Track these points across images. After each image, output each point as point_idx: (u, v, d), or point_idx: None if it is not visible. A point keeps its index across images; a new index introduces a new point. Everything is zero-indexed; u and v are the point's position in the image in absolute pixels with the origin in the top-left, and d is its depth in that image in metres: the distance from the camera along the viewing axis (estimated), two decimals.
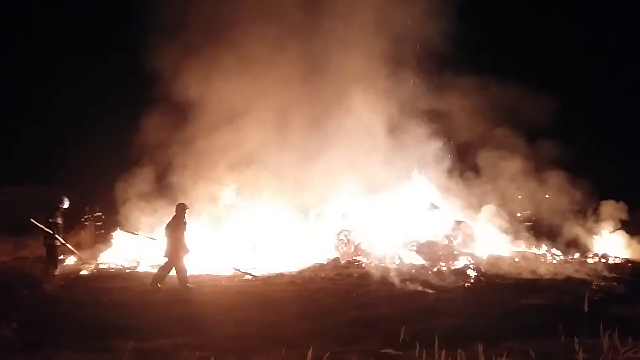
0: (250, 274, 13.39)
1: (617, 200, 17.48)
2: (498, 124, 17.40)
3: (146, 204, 16.52)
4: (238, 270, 13.60)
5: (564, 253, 16.27)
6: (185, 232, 12.05)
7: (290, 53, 17.17)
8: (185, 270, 11.91)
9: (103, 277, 13.43)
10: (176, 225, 12.04)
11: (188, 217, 12.43)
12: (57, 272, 12.09)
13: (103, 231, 17.39)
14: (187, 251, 12.02)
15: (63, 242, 12.72)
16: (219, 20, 17.30)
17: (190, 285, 11.77)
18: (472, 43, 18.27)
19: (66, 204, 12.41)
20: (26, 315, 8.48)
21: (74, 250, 14.42)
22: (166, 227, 12.23)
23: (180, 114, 17.25)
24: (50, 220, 12.11)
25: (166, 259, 12.00)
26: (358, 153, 16.60)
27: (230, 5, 17.46)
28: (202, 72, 17.04)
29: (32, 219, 12.38)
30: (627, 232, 17.00)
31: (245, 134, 17.19)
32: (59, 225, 12.22)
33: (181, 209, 12.31)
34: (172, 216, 12.37)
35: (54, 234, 12.04)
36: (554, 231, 17.04)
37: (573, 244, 16.71)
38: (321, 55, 17.25)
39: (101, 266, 15.06)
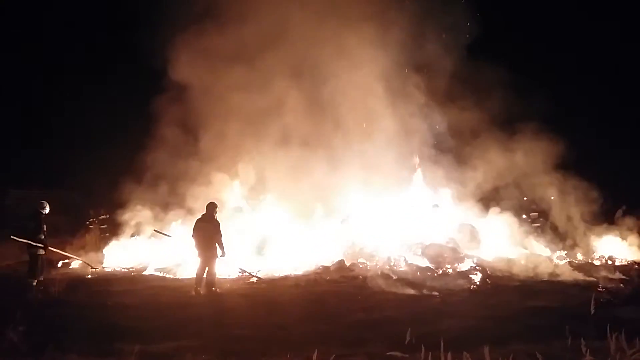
0: (255, 276, 13.37)
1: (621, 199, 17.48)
2: (503, 121, 17.35)
3: (151, 206, 16.57)
4: (244, 271, 13.56)
5: (571, 255, 16.21)
6: (222, 234, 11.74)
7: (297, 57, 17.18)
8: (215, 274, 11.72)
9: (108, 280, 13.42)
10: (212, 227, 11.69)
11: (218, 217, 12.09)
12: (35, 282, 11.79)
13: (108, 234, 17.37)
14: (224, 254, 11.75)
15: (54, 249, 12.71)
16: (227, 20, 17.31)
17: (216, 290, 11.59)
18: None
19: (47, 210, 12.24)
20: (32, 318, 8.47)
21: (71, 256, 14.46)
22: (196, 227, 11.85)
23: (186, 116, 17.29)
24: (44, 230, 11.94)
25: (200, 261, 11.70)
26: (363, 155, 16.57)
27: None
28: (206, 74, 17.11)
29: (12, 237, 12.21)
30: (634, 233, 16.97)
31: (250, 136, 17.22)
32: (43, 230, 12.01)
33: (212, 208, 11.96)
34: (202, 215, 12.02)
35: (44, 246, 11.90)
36: (561, 232, 16.97)
37: (579, 246, 16.64)
38: (328, 58, 17.23)
39: (107, 269, 15.08)
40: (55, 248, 13.06)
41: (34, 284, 11.80)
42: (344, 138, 16.86)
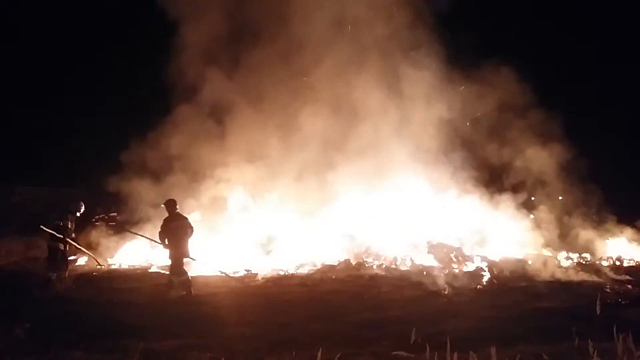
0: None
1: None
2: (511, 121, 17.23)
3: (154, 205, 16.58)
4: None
5: (579, 255, 16.12)
6: (185, 233, 11.26)
7: (301, 57, 17.13)
8: (182, 274, 11.21)
9: (114, 278, 13.44)
10: (182, 224, 11.30)
11: (185, 213, 11.71)
12: (55, 277, 11.82)
13: (112, 232, 17.33)
14: (186, 255, 11.29)
15: (76, 245, 12.73)
16: (233, 21, 17.31)
17: (191, 292, 11.12)
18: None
19: (82, 209, 12.35)
20: (37, 314, 8.51)
21: (88, 252, 14.42)
22: (166, 228, 11.32)
23: (192, 114, 17.29)
24: (61, 223, 11.98)
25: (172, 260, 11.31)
26: (368, 153, 16.51)
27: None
28: (213, 73, 17.17)
29: (41, 226, 12.26)
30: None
31: (254, 134, 17.21)
32: (69, 229, 12.11)
33: (173, 205, 11.54)
34: (168, 215, 11.47)
35: (63, 237, 11.94)
36: (569, 233, 16.86)
37: (587, 247, 16.54)
38: (331, 58, 17.16)
39: (113, 266, 15.10)
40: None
41: (54, 277, 11.82)
42: (350, 135, 16.76)
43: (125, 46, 23.19)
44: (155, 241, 12.22)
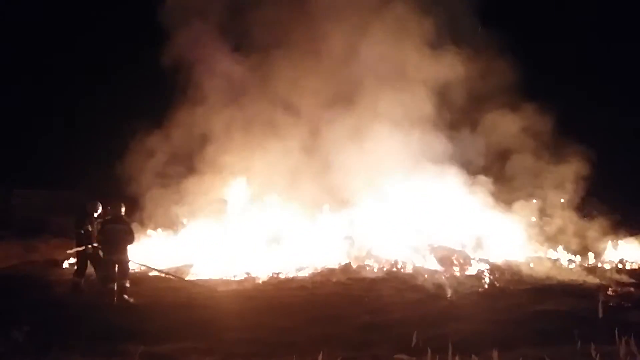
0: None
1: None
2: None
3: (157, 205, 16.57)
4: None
5: (581, 258, 16.08)
6: (123, 238, 10.86)
7: (307, 55, 17.09)
8: (127, 280, 10.99)
9: None
10: (123, 228, 10.94)
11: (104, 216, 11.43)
12: (83, 281, 11.82)
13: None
14: (122, 261, 10.92)
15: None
16: (232, 15, 17.34)
17: (129, 298, 10.84)
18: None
19: (99, 210, 12.28)
20: (36, 318, 8.47)
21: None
22: (105, 230, 11.01)
23: (192, 113, 17.26)
24: (82, 232, 11.85)
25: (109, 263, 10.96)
26: (369, 154, 16.45)
27: None
28: (213, 70, 17.14)
29: (67, 251, 12.51)
30: None
31: (255, 136, 17.18)
32: (91, 233, 11.94)
33: (118, 208, 11.12)
34: (110, 217, 11.27)
35: (85, 249, 11.78)
36: (571, 236, 16.82)
37: (590, 249, 16.50)
38: (338, 56, 17.11)
39: None
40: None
41: (82, 282, 11.80)
42: (349, 135, 16.71)
43: (123, 43, 23.27)
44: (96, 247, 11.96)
